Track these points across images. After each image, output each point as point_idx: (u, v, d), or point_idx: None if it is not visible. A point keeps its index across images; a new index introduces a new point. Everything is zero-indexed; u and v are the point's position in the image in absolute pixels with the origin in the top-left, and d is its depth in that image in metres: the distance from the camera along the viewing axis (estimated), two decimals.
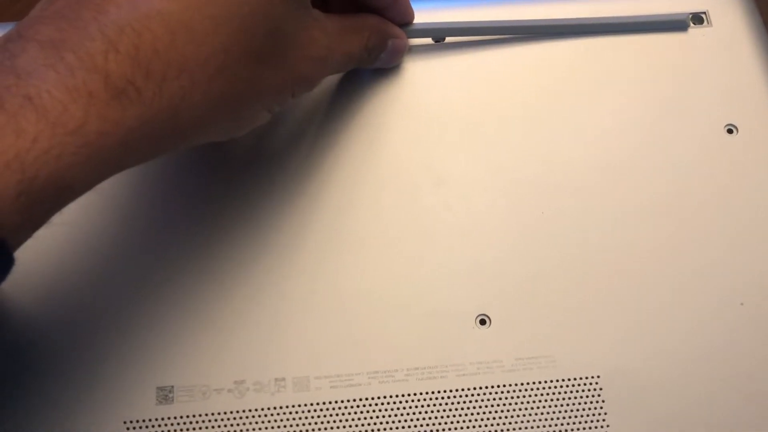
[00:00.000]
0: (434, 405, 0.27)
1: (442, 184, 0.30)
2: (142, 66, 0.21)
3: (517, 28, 0.33)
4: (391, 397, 0.27)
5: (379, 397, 0.27)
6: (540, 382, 0.27)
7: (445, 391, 0.27)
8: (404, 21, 0.32)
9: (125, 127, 0.21)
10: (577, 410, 0.27)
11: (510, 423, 0.27)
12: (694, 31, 0.33)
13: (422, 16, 0.32)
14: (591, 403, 0.27)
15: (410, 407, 0.27)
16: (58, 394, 0.26)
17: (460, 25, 0.33)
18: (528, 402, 0.27)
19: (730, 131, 0.31)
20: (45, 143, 0.19)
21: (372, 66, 0.32)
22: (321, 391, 0.27)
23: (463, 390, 0.27)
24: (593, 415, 0.27)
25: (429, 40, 0.33)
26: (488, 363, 0.27)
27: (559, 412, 0.27)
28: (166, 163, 0.30)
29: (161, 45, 0.21)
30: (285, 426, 0.26)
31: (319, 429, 0.26)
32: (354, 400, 0.27)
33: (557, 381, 0.27)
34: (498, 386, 0.27)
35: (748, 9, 0.34)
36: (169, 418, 0.26)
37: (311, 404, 0.27)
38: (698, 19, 0.34)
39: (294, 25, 0.25)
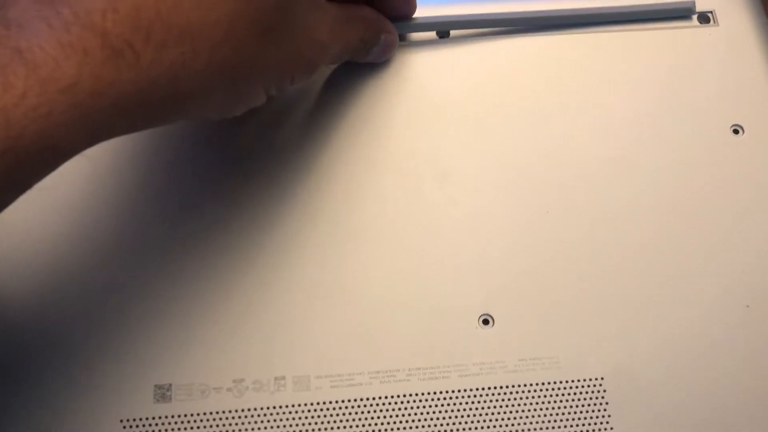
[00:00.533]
0: (436, 405, 0.26)
1: (446, 181, 0.30)
2: (141, 29, 0.20)
3: (520, 20, 0.33)
4: (392, 397, 0.27)
5: (380, 397, 0.27)
6: (543, 384, 0.27)
7: (447, 392, 0.27)
8: (406, 12, 0.32)
9: (119, 90, 0.20)
10: (581, 412, 0.26)
11: (513, 425, 0.26)
12: (700, 30, 0.33)
13: (426, 10, 0.32)
14: (595, 404, 0.27)
15: (412, 407, 0.26)
16: (55, 392, 0.26)
17: (461, 18, 0.32)
18: (531, 403, 0.27)
19: (736, 131, 0.31)
20: (34, 100, 0.18)
21: (363, 59, 0.31)
22: (321, 391, 0.27)
23: (465, 391, 0.27)
24: (597, 416, 0.26)
25: (433, 35, 0.33)
26: (491, 363, 0.27)
27: (563, 413, 0.26)
28: (166, 156, 0.30)
29: (164, 8, 0.20)
30: (284, 426, 0.26)
31: (320, 429, 0.26)
32: (355, 400, 0.26)
33: (561, 382, 0.27)
34: (501, 387, 0.27)
35: (754, 9, 0.34)
36: (166, 417, 0.26)
37: (311, 404, 0.26)
38: (704, 18, 0.34)
39: (303, 5, 0.25)
